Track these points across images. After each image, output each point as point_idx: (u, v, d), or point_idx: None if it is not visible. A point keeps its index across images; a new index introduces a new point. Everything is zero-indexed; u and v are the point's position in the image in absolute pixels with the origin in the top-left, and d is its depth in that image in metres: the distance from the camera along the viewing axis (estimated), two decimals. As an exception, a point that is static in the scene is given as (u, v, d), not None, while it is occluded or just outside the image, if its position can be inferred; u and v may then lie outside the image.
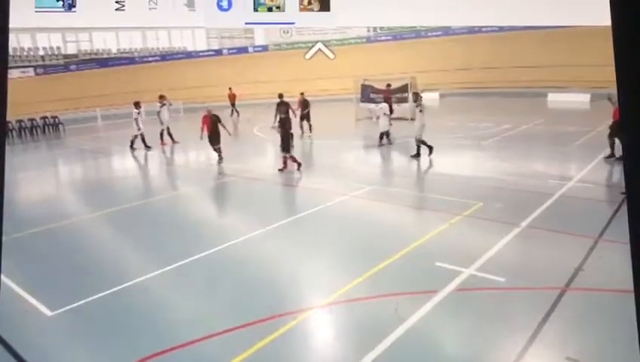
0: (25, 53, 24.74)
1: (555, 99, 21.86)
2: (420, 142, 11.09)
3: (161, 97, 15.04)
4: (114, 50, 26.94)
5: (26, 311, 5.24)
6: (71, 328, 4.88)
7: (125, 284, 5.57)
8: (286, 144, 10.31)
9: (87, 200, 9.66)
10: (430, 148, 11.06)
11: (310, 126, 15.65)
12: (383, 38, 29.61)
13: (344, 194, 8.74)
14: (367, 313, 4.60)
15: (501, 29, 24.01)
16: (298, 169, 10.37)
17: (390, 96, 17.84)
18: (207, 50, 29.35)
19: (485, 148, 12.32)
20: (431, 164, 10.95)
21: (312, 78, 26.35)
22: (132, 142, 14.41)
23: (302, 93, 15.94)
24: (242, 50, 29.76)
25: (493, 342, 4.04)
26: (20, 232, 7.69)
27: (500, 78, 25.16)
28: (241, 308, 4.79)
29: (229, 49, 29.38)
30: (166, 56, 28.21)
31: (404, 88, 18.13)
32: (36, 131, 21.10)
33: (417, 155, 11.12)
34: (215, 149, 11.92)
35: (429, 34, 28.09)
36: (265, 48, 30.04)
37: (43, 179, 12.05)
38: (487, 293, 4.82)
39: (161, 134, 14.78)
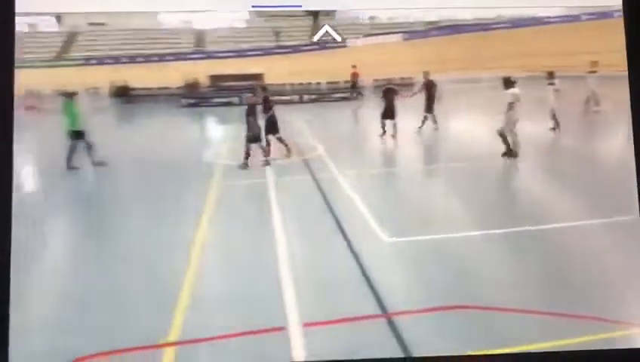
0: (394, 21, 29.04)
1: None
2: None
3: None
4: (469, 17, 28.14)
5: (369, 233, 7.07)
6: (401, 256, 6.47)
7: (451, 235, 6.77)
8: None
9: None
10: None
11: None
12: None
13: None
14: None
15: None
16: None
17: None
18: (559, 16, 26.69)
19: None
20: None
21: None
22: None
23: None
24: (606, 15, 25.54)
25: None
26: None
27: None
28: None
29: (588, 14, 25.84)
30: (515, 22, 27.47)
31: None
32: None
33: None
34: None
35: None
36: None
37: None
38: None
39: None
